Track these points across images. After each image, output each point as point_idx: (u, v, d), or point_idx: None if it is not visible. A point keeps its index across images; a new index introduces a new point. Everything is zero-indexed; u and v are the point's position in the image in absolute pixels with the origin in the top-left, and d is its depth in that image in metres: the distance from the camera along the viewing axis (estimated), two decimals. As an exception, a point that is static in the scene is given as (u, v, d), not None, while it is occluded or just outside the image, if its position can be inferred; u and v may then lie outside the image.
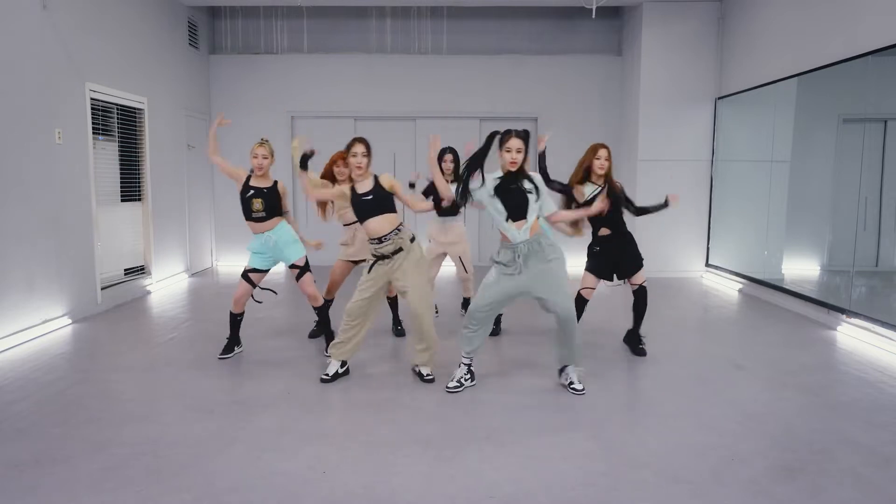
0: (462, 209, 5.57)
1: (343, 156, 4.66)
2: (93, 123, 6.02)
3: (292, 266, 4.44)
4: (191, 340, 5.06)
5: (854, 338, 5.14)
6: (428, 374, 4.07)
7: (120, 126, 6.62)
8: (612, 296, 6.57)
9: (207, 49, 8.81)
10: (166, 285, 7.38)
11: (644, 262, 4.63)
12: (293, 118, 8.94)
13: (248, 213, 4.34)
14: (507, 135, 3.64)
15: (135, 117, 6.88)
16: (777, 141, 6.79)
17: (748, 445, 3.16)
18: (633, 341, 4.78)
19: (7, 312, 4.82)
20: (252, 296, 4.52)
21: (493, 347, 4.85)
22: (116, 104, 6.49)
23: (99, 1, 6.13)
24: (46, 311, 5.28)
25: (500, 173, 3.71)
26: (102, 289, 6.14)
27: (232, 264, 8.93)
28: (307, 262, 4.50)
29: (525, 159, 3.68)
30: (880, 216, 5.35)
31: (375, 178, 4.01)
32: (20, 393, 3.82)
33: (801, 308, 6.08)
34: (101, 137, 6.31)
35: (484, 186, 3.70)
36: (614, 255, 4.54)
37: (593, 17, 8.02)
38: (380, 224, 3.92)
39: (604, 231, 4.52)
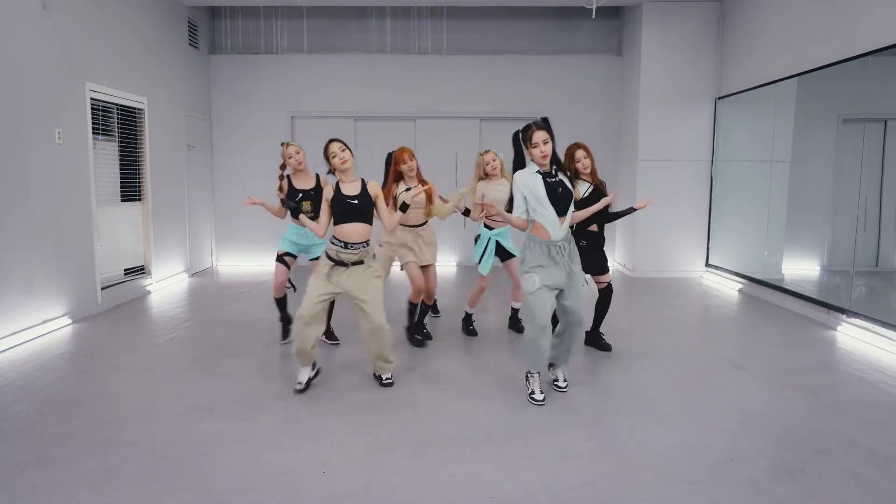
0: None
1: (407, 152, 4.58)
2: (93, 123, 6.02)
3: (316, 259, 4.66)
4: (191, 340, 5.06)
5: (854, 338, 5.14)
6: (388, 378, 4.00)
7: (120, 126, 6.62)
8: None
9: (207, 49, 8.80)
10: (166, 285, 7.38)
11: (609, 265, 4.68)
12: (293, 118, 8.94)
13: (297, 215, 4.36)
14: (528, 130, 3.51)
15: (135, 117, 6.88)
16: (777, 141, 6.78)
17: (748, 445, 3.16)
18: (595, 339, 4.79)
19: (7, 312, 4.83)
20: (290, 281, 4.67)
21: (493, 347, 4.86)
22: (116, 104, 6.49)
23: (99, 1, 6.13)
24: (46, 311, 5.28)
25: (535, 168, 3.56)
26: (102, 289, 6.14)
27: (232, 264, 8.87)
28: None
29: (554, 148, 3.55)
30: (880, 216, 5.34)
31: (363, 182, 3.87)
32: (20, 393, 3.82)
33: (801, 308, 6.08)
34: (101, 137, 6.31)
35: (526, 187, 3.55)
36: (593, 252, 4.56)
37: (593, 17, 8.03)
38: (354, 230, 3.77)
39: (592, 227, 4.56)
